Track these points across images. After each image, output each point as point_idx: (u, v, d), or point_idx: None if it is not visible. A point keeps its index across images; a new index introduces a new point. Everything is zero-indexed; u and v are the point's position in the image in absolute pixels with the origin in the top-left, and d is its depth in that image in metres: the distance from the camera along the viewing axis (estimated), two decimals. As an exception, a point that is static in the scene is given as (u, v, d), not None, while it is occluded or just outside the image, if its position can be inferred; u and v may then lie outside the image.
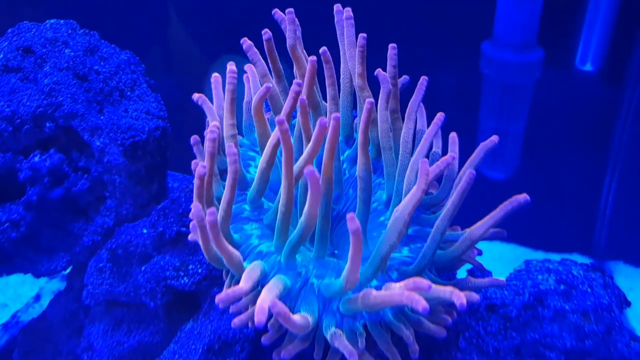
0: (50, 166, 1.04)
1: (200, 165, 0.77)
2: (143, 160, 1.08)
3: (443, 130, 1.01)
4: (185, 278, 0.95)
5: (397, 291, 0.66)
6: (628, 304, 0.90)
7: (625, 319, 0.92)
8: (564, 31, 1.93)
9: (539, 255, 2.11)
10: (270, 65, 0.96)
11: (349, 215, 0.61)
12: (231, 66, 0.87)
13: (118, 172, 1.06)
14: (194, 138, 0.91)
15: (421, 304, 0.60)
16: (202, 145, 0.91)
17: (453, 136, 0.92)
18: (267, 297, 0.67)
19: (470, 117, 2.05)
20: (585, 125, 2.01)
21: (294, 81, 0.85)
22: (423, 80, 0.94)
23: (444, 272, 0.87)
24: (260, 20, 1.01)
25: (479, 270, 0.89)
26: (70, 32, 1.14)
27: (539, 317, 0.85)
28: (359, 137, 0.80)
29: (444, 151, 0.95)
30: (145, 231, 1.02)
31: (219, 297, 0.66)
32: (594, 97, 1.98)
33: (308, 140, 0.80)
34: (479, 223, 0.80)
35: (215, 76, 0.96)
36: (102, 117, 1.07)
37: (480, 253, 0.91)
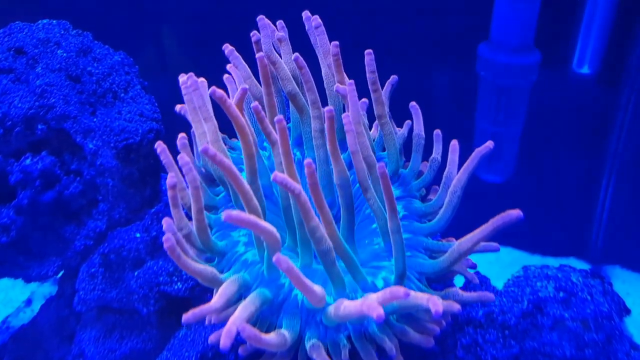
0: (42, 169, 1.02)
1: (169, 176, 0.76)
2: (136, 163, 1.06)
3: (441, 132, 1.00)
4: (179, 283, 0.93)
5: (359, 302, 0.64)
6: (628, 311, 0.89)
7: (624, 325, 0.91)
8: (561, 33, 1.92)
9: (535, 259, 2.10)
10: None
11: (275, 258, 0.59)
12: (182, 78, 0.85)
13: (111, 175, 1.04)
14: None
15: (376, 312, 0.58)
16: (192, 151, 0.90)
17: (454, 144, 0.90)
18: (237, 319, 0.65)
19: (466, 120, 2.04)
20: (581, 128, 2.01)
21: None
22: (387, 85, 0.89)
23: (436, 282, 0.85)
24: (253, 23, 0.99)
25: (472, 282, 0.87)
26: (63, 32, 1.12)
27: (538, 325, 0.84)
28: (328, 147, 0.78)
29: (444, 157, 0.94)
30: (138, 235, 1.00)
31: (185, 317, 0.64)
32: (591, 100, 1.98)
33: (272, 145, 0.78)
34: (469, 236, 0.77)
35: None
36: (95, 119, 1.05)
37: (474, 266, 0.89)
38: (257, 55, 0.85)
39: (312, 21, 0.91)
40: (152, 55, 1.98)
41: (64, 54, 1.08)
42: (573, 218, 2.06)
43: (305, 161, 0.67)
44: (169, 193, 0.76)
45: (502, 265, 2.03)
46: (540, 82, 1.96)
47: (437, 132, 0.96)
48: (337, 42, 0.86)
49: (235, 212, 0.60)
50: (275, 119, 0.71)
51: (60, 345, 1.10)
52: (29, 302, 1.57)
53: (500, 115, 2.06)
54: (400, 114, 1.02)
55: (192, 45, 2.00)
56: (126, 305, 0.99)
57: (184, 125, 0.97)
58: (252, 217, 0.63)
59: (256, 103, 0.78)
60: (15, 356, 1.13)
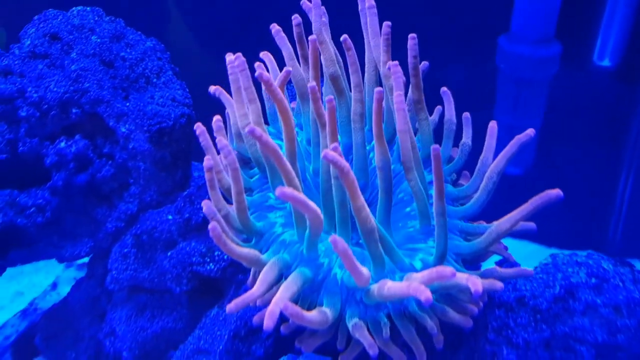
0: (76, 152, 1.04)
1: (205, 159, 0.77)
2: (168, 147, 1.08)
3: (460, 121, 1.00)
4: (211, 264, 0.95)
5: (405, 283, 0.65)
6: (657, 299, 0.89)
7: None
8: (582, 26, 1.91)
9: (552, 252, 2.10)
10: (298, 51, 0.96)
11: (331, 238, 0.61)
12: (229, 57, 0.86)
13: (143, 158, 1.06)
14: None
15: (424, 295, 0.59)
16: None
17: (492, 127, 0.90)
18: (280, 299, 0.66)
19: (485, 112, 2.04)
20: (601, 121, 2.00)
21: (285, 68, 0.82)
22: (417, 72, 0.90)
23: (470, 264, 0.86)
24: (285, 9, 1.00)
25: (507, 262, 0.88)
26: (96, 19, 1.14)
27: (570, 310, 0.84)
28: (373, 128, 0.78)
29: (474, 142, 0.94)
30: (170, 217, 1.02)
31: (229, 307, 0.67)
32: (611, 92, 1.97)
33: (322, 127, 0.79)
34: (507, 216, 0.78)
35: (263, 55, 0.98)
36: (127, 104, 1.07)
37: (506, 248, 0.91)
38: (309, 38, 0.86)
39: (366, 2, 0.93)
40: (182, 41, 2.00)
41: (98, 40, 1.10)
42: (591, 211, 2.05)
43: (327, 99, 0.68)
44: (207, 175, 0.78)
45: (518, 259, 2.03)
46: (561, 74, 1.95)
47: (467, 115, 0.96)
48: (389, 23, 0.87)
49: (288, 189, 0.62)
50: (326, 99, 0.72)
51: (91, 324, 1.13)
52: (54, 285, 1.59)
53: (519, 107, 2.05)
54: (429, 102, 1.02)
55: (220, 33, 2.01)
56: (158, 285, 1.01)
57: (212, 112, 0.99)
58: (303, 196, 0.64)
59: (314, 84, 0.79)
60: (47, 334, 1.16)
